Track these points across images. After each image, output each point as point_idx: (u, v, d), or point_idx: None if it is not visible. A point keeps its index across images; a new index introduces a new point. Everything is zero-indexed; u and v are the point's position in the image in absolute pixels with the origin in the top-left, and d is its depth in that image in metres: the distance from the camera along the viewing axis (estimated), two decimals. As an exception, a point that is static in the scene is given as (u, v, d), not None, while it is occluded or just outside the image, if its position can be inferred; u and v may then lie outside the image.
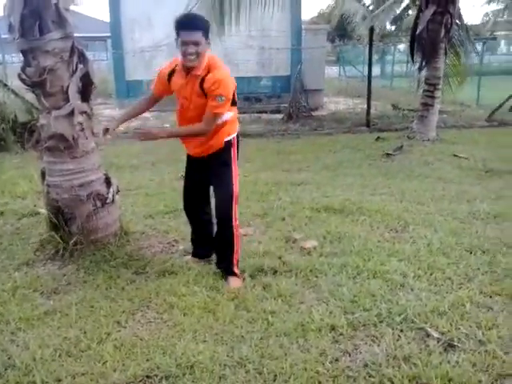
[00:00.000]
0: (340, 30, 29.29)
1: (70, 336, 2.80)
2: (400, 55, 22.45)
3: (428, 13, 8.30)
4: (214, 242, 3.70)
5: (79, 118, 3.75)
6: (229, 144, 3.37)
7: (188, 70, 3.17)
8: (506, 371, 2.43)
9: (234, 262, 3.49)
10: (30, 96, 6.75)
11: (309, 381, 2.40)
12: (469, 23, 12.77)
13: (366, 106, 10.97)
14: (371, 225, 4.51)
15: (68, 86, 3.68)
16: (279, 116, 12.20)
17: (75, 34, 3.74)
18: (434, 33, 8.37)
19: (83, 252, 3.82)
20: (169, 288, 3.32)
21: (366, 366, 2.51)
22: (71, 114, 3.71)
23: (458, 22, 9.18)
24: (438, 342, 2.68)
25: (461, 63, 10.18)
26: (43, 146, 3.82)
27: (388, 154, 7.58)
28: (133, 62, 13.76)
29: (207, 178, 3.48)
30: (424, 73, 8.97)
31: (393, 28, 27.81)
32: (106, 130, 3.39)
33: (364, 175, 6.45)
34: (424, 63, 8.74)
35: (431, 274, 3.49)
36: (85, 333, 2.83)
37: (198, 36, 3.04)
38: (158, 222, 4.66)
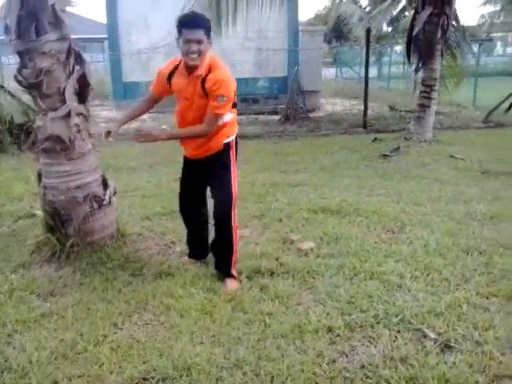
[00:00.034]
0: (337, 31, 29.37)
1: (66, 338, 2.80)
2: (397, 56, 22.50)
3: (424, 14, 8.31)
4: (209, 242, 3.72)
5: (76, 120, 3.74)
6: (228, 146, 3.36)
7: (190, 70, 3.15)
8: (502, 372, 2.44)
9: (233, 263, 3.49)
10: (26, 97, 6.73)
11: (306, 382, 2.40)
12: (465, 25, 12.80)
13: (362, 107, 10.98)
14: (368, 226, 4.51)
15: (65, 88, 3.67)
16: (276, 117, 12.20)
17: (72, 36, 3.73)
18: (431, 34, 8.38)
19: (80, 254, 3.80)
20: (165, 290, 3.32)
21: (362, 367, 2.51)
22: (68, 115, 3.69)
23: (454, 23, 9.21)
24: (435, 342, 2.69)
25: (457, 64, 10.22)
26: (39, 148, 3.80)
27: (385, 155, 7.59)
28: (130, 64, 13.75)
29: (205, 179, 3.47)
30: (420, 74, 8.98)
31: (389, 29, 27.84)
32: (108, 133, 3.37)
33: (361, 176, 6.45)
34: (420, 64, 8.75)
35: (428, 275, 3.49)
36: (81, 335, 2.83)
37: (200, 34, 3.03)
38: (155, 224, 4.66)
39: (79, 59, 3.79)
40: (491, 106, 11.52)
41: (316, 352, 2.63)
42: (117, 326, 2.94)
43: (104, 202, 3.94)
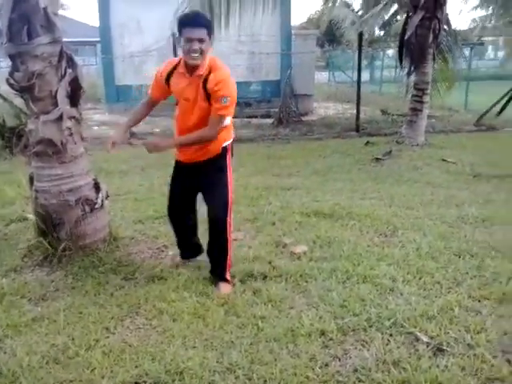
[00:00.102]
0: (329, 35, 29.46)
1: (57, 343, 2.78)
2: (389, 60, 22.63)
3: (416, 18, 8.37)
4: (200, 243, 3.75)
5: (68, 123, 3.74)
6: (225, 150, 3.35)
7: (191, 70, 3.12)
8: (494, 375, 2.45)
9: (227, 267, 3.48)
10: (18, 101, 6.69)
11: (299, 386, 2.40)
12: (457, 29, 12.86)
13: (355, 111, 11.01)
14: (361, 229, 4.52)
15: (57, 91, 3.66)
16: (269, 121, 12.22)
17: (64, 39, 3.72)
18: (423, 38, 8.43)
19: (72, 258, 3.79)
20: (158, 294, 3.30)
21: (355, 370, 2.51)
22: (60, 118, 3.69)
23: (446, 27, 9.28)
24: (428, 346, 2.69)
25: (449, 68, 10.28)
26: (31, 151, 3.79)
27: (377, 158, 7.61)
28: (122, 67, 13.75)
29: (198, 184, 3.44)
30: (412, 78, 9.04)
31: (382, 33, 27.99)
32: (113, 144, 3.32)
33: (353, 180, 6.46)
34: (412, 68, 8.81)
35: (420, 279, 3.50)
36: (73, 339, 2.81)
37: (202, 33, 3.01)
38: (148, 228, 4.65)
39: (71, 62, 3.78)
40: (483, 110, 11.60)
41: (309, 356, 2.63)
42: (109, 330, 2.93)
43: (96, 206, 3.93)
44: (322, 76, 23.36)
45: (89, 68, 19.62)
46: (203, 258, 3.70)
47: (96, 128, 11.56)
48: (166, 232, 4.42)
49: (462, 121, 11.94)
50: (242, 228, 4.57)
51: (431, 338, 2.76)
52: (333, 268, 3.65)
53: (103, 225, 4.05)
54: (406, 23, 8.95)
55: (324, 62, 28.09)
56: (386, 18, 21.31)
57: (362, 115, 11.16)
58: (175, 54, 9.09)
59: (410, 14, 8.69)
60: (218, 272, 3.49)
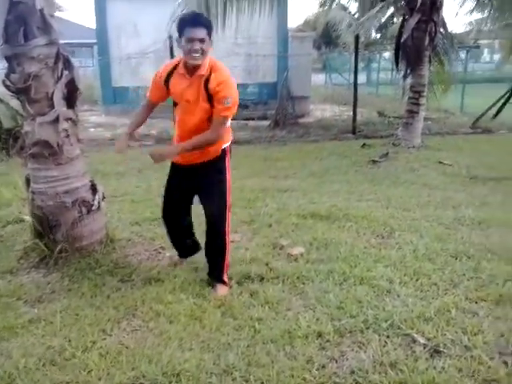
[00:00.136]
0: (326, 37, 29.47)
1: (54, 344, 2.77)
2: (385, 63, 22.63)
3: (412, 21, 8.39)
4: (194, 241, 3.75)
5: (64, 125, 3.72)
6: (224, 152, 3.34)
7: (192, 71, 3.11)
8: (491, 376, 2.45)
9: (225, 269, 3.48)
10: (14, 102, 6.67)
11: (296, 388, 2.40)
12: (453, 31, 12.92)
13: (352, 113, 11.02)
14: (357, 231, 4.53)
15: (53, 93, 3.65)
16: (266, 123, 12.22)
17: (61, 41, 3.71)
18: (419, 41, 8.46)
19: (68, 260, 3.78)
20: (155, 296, 3.30)
21: (352, 372, 2.51)
22: (56, 120, 3.68)
23: (442, 30, 9.31)
24: (424, 347, 2.69)
25: (445, 71, 10.32)
26: (28, 153, 3.78)
27: (374, 160, 7.63)
28: (119, 69, 13.74)
29: (196, 186, 3.42)
30: (409, 80, 9.06)
31: (378, 36, 28.01)
32: (120, 151, 3.36)
33: (350, 182, 6.47)
34: (409, 71, 8.84)
35: (417, 280, 3.51)
36: (69, 341, 2.80)
37: (203, 33, 3.01)
38: (145, 229, 4.64)
39: (68, 64, 3.77)
40: (479, 112, 11.64)
41: (306, 357, 2.63)
42: (105, 332, 2.92)
43: (93, 207, 3.92)
44: (318, 78, 23.34)
45: (85, 70, 19.58)
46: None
47: (92, 130, 11.54)
48: (162, 234, 4.40)
49: (458, 123, 11.99)
50: (238, 230, 4.56)
51: (428, 339, 2.76)
52: (330, 270, 3.65)
53: (100, 227, 4.04)
54: (402, 26, 8.98)
55: (321, 64, 28.09)
56: (383, 20, 21.34)
57: (358, 117, 11.19)
58: (172, 56, 9.09)
59: (407, 16, 8.71)
60: (216, 274, 3.48)
